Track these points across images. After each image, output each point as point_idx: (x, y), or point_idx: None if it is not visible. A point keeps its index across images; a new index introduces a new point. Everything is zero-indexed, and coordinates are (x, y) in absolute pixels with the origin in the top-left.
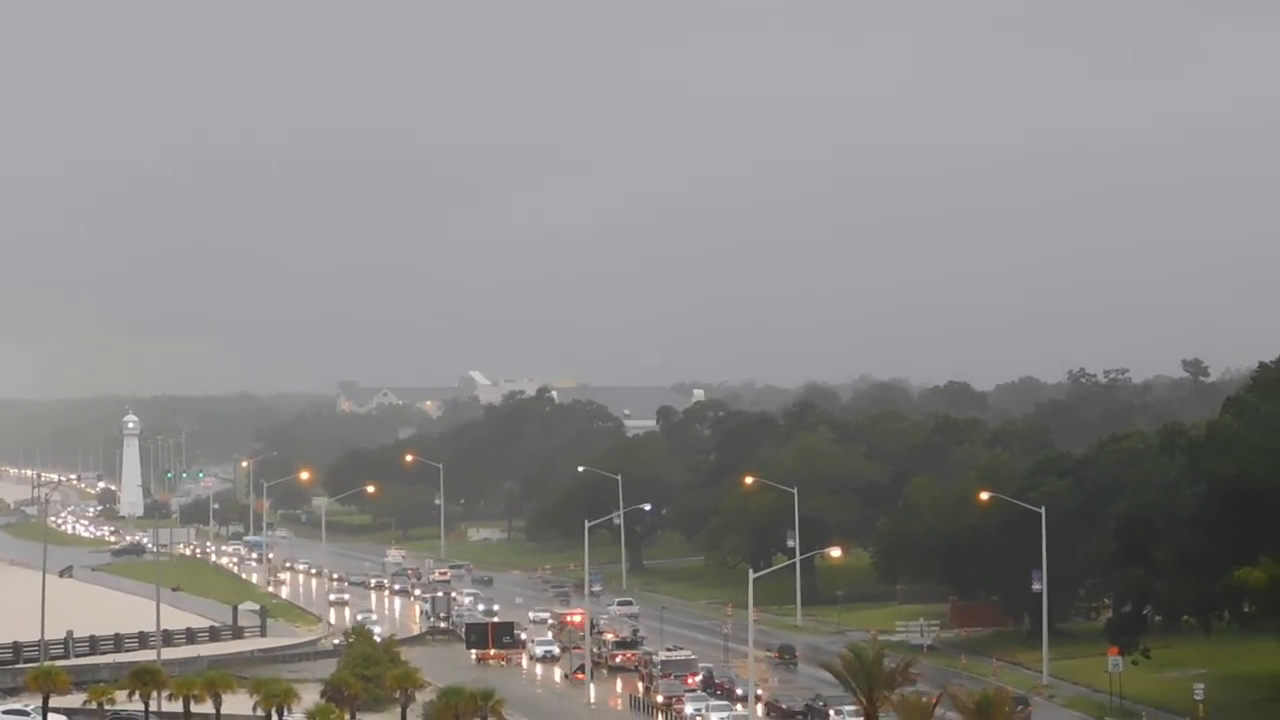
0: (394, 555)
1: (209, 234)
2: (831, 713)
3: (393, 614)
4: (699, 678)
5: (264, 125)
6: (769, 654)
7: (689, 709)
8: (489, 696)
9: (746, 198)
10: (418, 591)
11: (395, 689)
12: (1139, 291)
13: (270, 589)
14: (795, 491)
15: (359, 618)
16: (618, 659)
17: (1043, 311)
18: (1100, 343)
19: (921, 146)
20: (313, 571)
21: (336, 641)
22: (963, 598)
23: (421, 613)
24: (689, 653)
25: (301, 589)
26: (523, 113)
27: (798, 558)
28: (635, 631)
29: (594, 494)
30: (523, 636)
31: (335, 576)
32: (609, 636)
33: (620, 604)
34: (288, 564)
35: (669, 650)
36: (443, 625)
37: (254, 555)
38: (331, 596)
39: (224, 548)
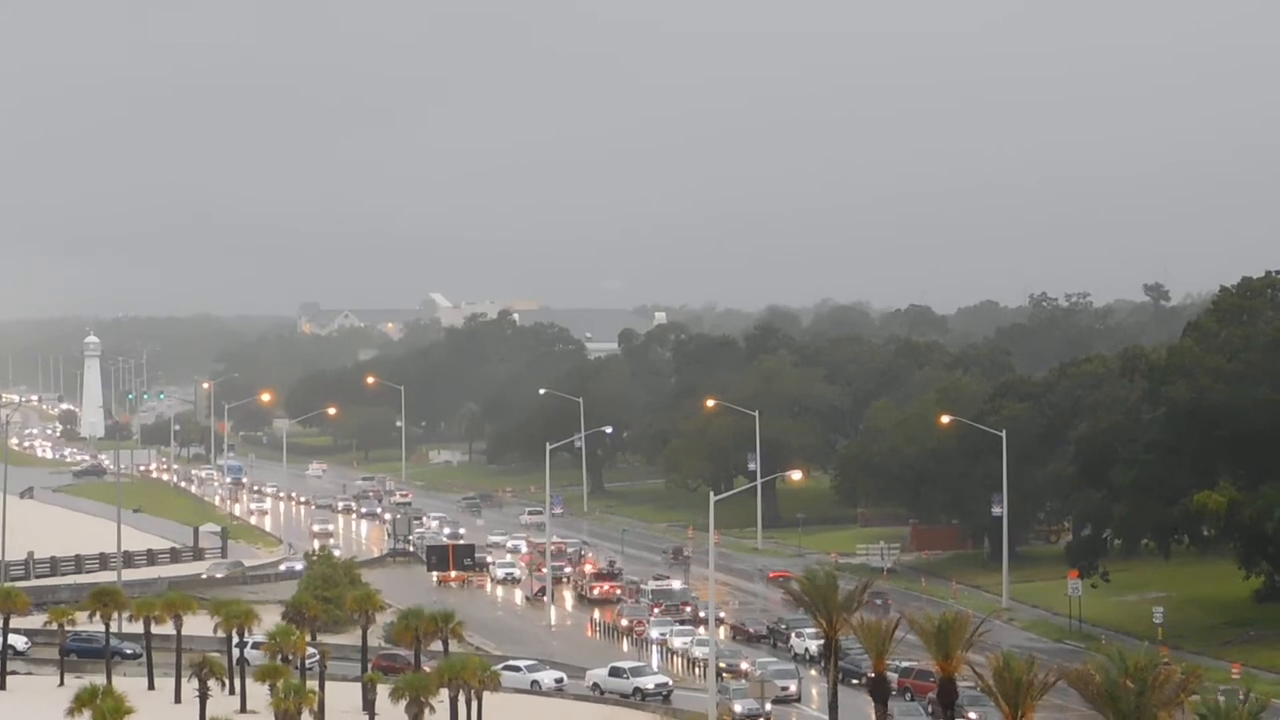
0: (314, 469)
1: (170, 157)
2: (793, 635)
3: (358, 536)
4: (689, 610)
5: (236, 40)
6: (665, 553)
7: (654, 633)
8: (449, 619)
9: (710, 117)
10: (386, 515)
11: (355, 610)
12: (1101, 212)
13: (252, 516)
14: (756, 415)
15: (318, 542)
16: (595, 592)
17: (1004, 233)
18: (1061, 263)
19: (872, 35)
20: (281, 495)
21: (298, 566)
22: (923, 521)
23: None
24: (679, 582)
25: (270, 515)
26: (479, 26)
27: (758, 480)
28: (613, 563)
29: (555, 417)
30: (489, 559)
31: (313, 502)
32: (587, 568)
33: (531, 513)
34: (256, 488)
35: (657, 580)
36: (404, 547)
37: (229, 480)
38: (315, 526)
39: (198, 472)
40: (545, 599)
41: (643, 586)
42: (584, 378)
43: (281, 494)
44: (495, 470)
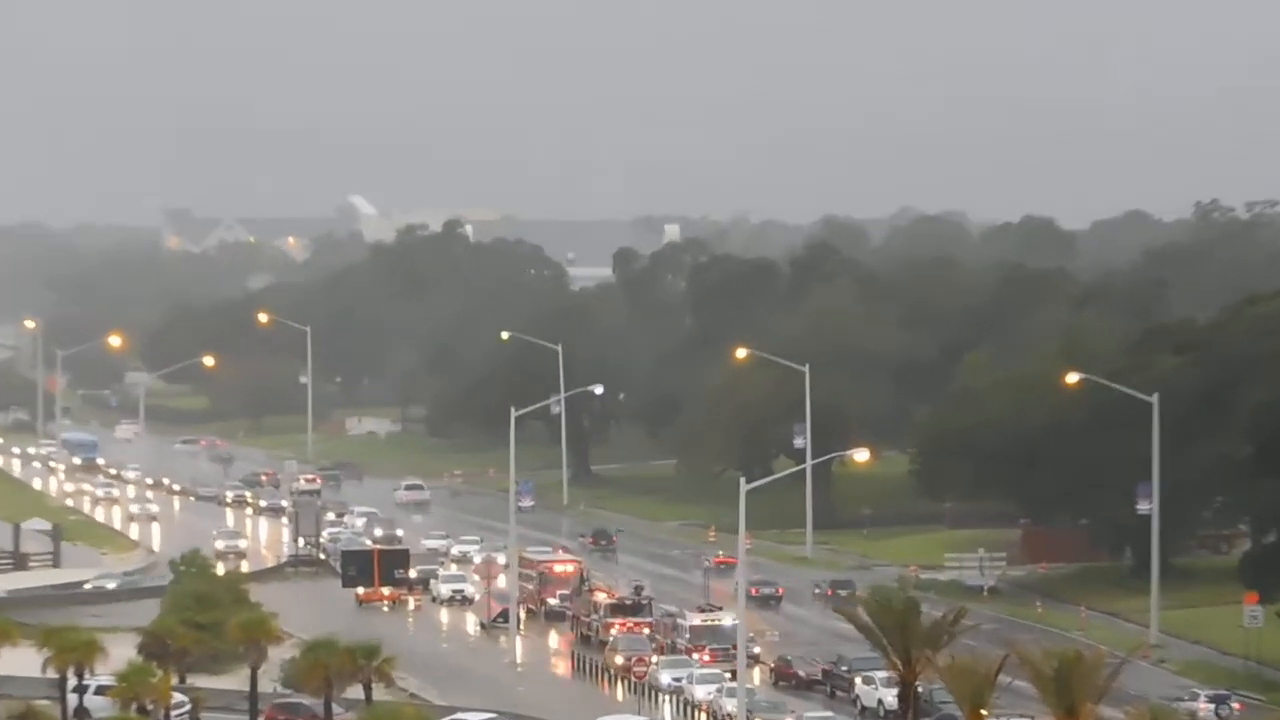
0: (125, 429)
1: None
2: (859, 681)
3: (254, 539)
4: (751, 654)
5: None
6: (582, 539)
7: (665, 677)
8: (373, 653)
9: None
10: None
11: (241, 642)
12: None
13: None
14: (806, 370)
15: (218, 543)
16: (613, 634)
17: (1160, 122)
18: (1240, 164)
19: None
20: (148, 481)
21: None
22: (1038, 521)
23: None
24: (731, 616)
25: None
26: None
27: (808, 463)
28: (639, 590)
29: (523, 372)
30: (438, 570)
31: (194, 492)
32: (600, 597)
33: (409, 488)
34: (113, 470)
35: (704, 613)
36: (312, 553)
37: (77, 460)
38: (135, 508)
39: (36, 449)
40: (507, 624)
41: (680, 621)
42: (565, 317)
43: (149, 480)
44: (439, 446)
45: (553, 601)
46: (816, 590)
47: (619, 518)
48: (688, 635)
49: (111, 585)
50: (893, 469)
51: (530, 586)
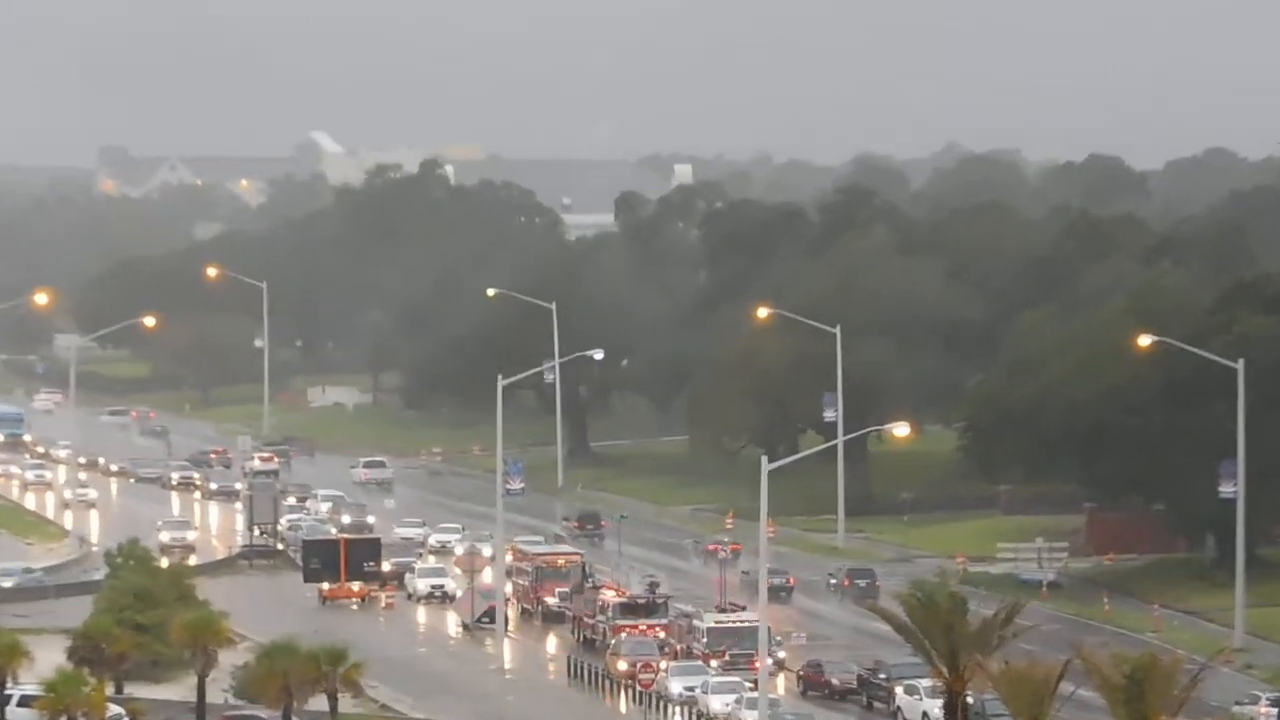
0: (44, 399)
1: None
2: (899, 690)
3: (204, 526)
4: (776, 659)
5: None
6: (566, 523)
7: (676, 685)
8: (338, 659)
9: None
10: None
11: (187, 646)
12: None
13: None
14: (838, 332)
15: (162, 535)
16: (624, 635)
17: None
18: None
19: None
20: (82, 460)
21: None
22: (1105, 506)
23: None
24: (754, 615)
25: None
26: None
27: (839, 440)
28: (654, 586)
29: (513, 334)
30: (415, 564)
31: (134, 473)
32: (609, 595)
33: (368, 466)
34: (40, 449)
35: (724, 613)
36: (269, 544)
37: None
38: (69, 493)
39: None
40: (493, 625)
41: (696, 623)
42: (560, 271)
43: (82, 460)
44: (416, 420)
45: (550, 600)
46: (832, 580)
47: (623, 502)
48: (705, 639)
49: (8, 583)
50: (938, 446)
51: (524, 583)
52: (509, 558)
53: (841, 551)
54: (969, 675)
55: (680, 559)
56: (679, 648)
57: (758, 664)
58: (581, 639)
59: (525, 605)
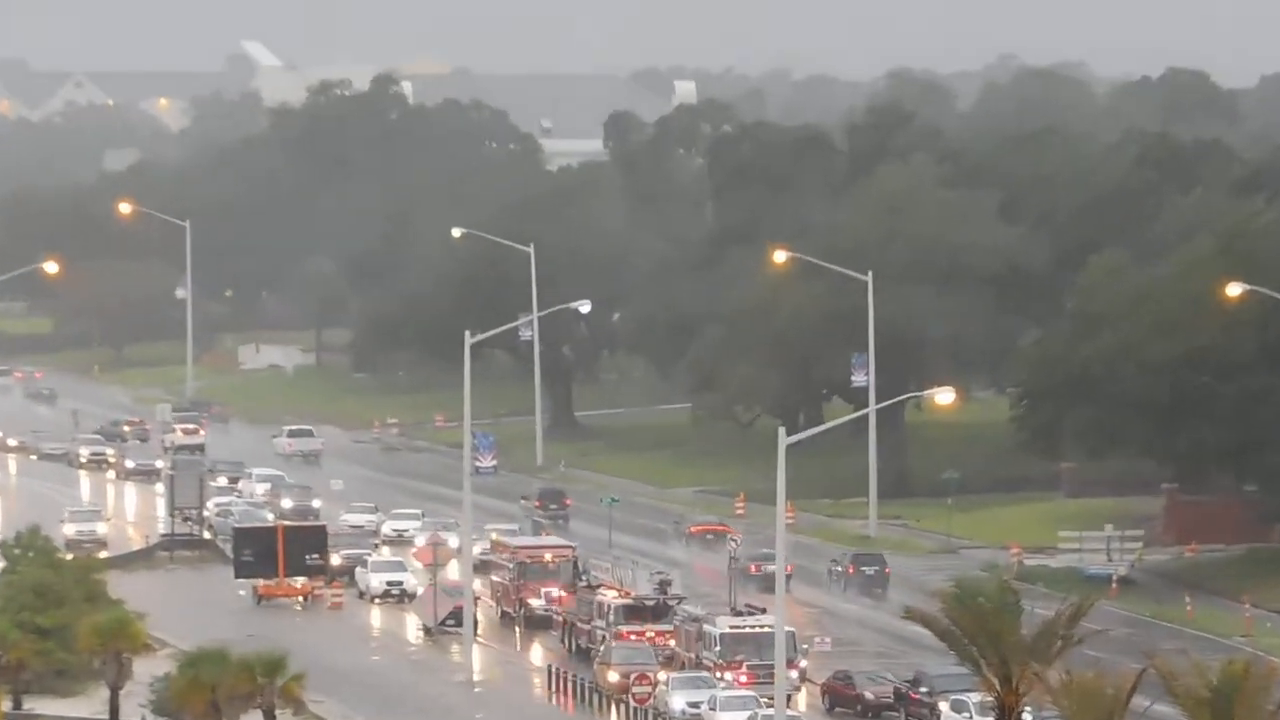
0: None
1: None
2: (943, 706)
3: (119, 511)
4: (801, 666)
5: None
6: (525, 502)
7: (678, 701)
8: (276, 668)
9: None
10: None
11: (96, 653)
12: None
13: None
14: (869, 280)
15: (68, 529)
16: (616, 642)
17: None
18: None
19: None
20: None
21: None
22: (1188, 487)
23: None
24: (769, 618)
25: None
26: None
27: (871, 407)
28: (665, 585)
29: (483, 284)
30: (368, 558)
31: (35, 449)
32: (608, 595)
33: (293, 435)
34: None
35: (738, 614)
36: (194, 531)
37: None
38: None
39: None
40: (460, 629)
41: (707, 628)
42: (539, 207)
43: None
44: (368, 384)
45: (536, 602)
46: (835, 568)
47: (614, 483)
48: (718, 647)
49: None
50: (989, 415)
51: (504, 581)
52: (478, 549)
53: (874, 542)
54: (1025, 688)
55: (643, 538)
56: (687, 657)
57: (798, 669)
58: (574, 648)
59: (506, 608)
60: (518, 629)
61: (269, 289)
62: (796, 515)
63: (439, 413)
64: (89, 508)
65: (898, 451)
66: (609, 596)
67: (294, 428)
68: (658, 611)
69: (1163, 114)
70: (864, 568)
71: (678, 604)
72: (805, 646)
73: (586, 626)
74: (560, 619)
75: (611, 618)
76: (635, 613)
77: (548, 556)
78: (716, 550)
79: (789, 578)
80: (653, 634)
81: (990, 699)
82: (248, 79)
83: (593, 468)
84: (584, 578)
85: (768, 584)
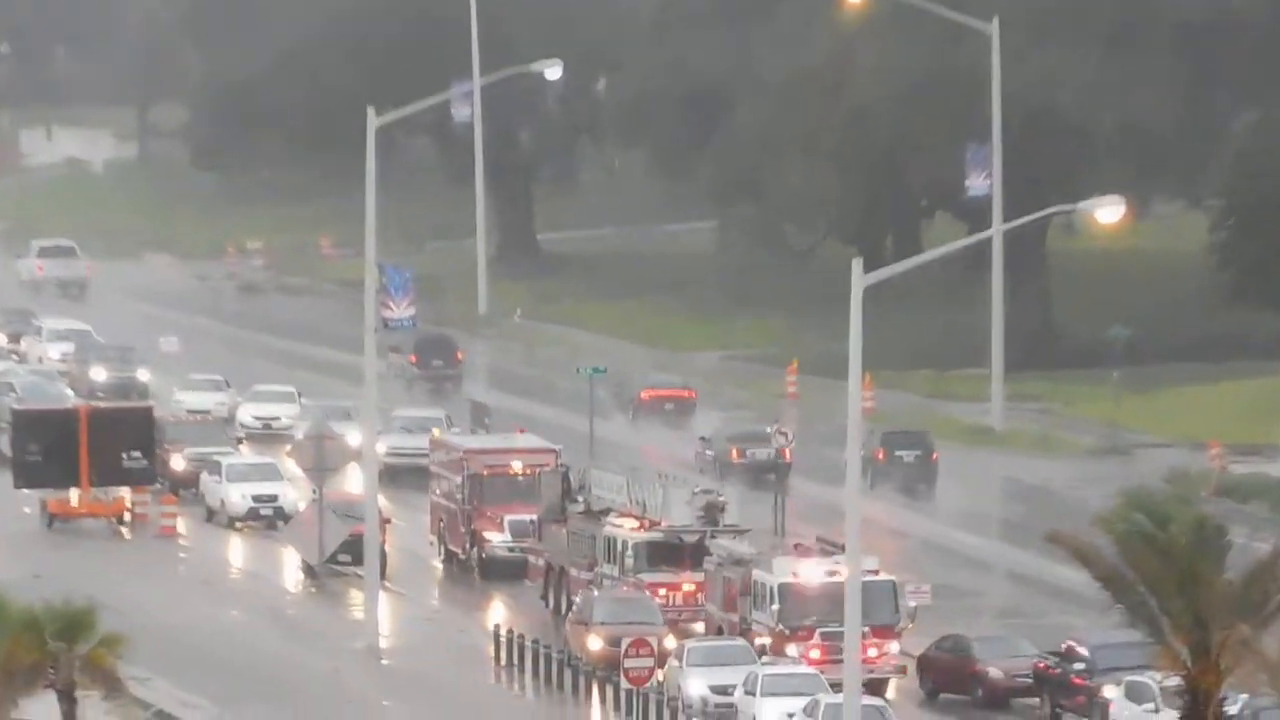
0: None
1: None
2: (1114, 694)
3: None
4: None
5: None
6: (396, 354)
7: (696, 684)
8: (77, 627)
9: None
10: None
11: None
12: None
13: None
14: (994, 31)
15: None
16: (596, 591)
17: None
18: None
19: None
20: None
21: None
22: None
23: None
24: (840, 560)
25: None
26: None
27: (996, 228)
28: (712, 508)
29: (396, 35)
30: (222, 459)
31: None
32: (626, 525)
33: (44, 254)
34: None
35: (806, 554)
36: None
37: None
38: None
39: None
40: (358, 566)
41: (759, 575)
42: None
43: None
44: (216, 190)
45: (498, 539)
46: (861, 451)
47: (595, 343)
48: (776, 605)
49: None
50: (1177, 243)
51: (448, 503)
52: (384, 447)
53: (999, 436)
54: (1229, 663)
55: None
56: (725, 620)
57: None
58: (565, 604)
59: (451, 545)
60: (473, 577)
61: (68, 43)
62: (878, 395)
63: (325, 234)
64: None
65: (1037, 299)
66: (624, 528)
67: (48, 242)
68: (695, 552)
69: None
70: (899, 452)
71: (735, 537)
72: (913, 604)
73: (587, 576)
74: (541, 564)
75: (630, 561)
76: (667, 553)
77: (516, 465)
78: (678, 428)
79: (787, 468)
80: (693, 586)
81: (1177, 679)
82: None
83: (563, 319)
84: (581, 498)
85: (755, 479)
